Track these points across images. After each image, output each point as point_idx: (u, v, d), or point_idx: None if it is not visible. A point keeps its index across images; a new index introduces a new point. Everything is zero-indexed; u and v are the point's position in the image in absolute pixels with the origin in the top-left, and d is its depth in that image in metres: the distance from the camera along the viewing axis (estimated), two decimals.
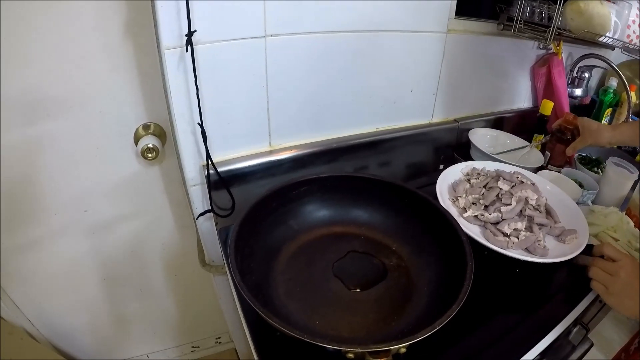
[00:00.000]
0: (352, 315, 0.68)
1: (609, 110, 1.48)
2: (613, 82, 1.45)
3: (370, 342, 0.52)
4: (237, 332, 1.37)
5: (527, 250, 0.81)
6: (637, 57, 1.37)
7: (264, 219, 0.77)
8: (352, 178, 0.87)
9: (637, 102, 1.51)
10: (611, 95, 1.46)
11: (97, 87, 0.89)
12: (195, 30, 0.70)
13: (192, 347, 1.58)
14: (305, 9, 0.82)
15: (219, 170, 0.86)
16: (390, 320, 0.67)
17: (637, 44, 1.18)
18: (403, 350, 0.54)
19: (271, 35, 0.81)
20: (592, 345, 0.82)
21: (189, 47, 0.71)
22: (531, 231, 0.83)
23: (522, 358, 0.66)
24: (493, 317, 0.74)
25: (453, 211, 0.86)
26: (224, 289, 1.16)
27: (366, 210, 0.87)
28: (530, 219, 0.85)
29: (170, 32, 0.71)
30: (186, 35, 0.70)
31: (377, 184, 0.85)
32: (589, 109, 1.52)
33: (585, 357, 0.82)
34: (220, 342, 1.63)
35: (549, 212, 0.90)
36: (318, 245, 0.81)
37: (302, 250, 0.80)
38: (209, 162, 0.83)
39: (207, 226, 0.98)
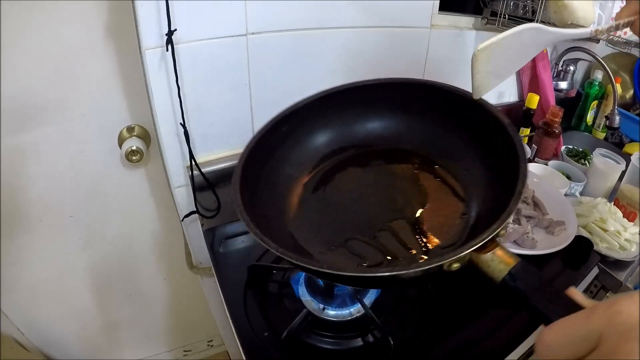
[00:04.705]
0: None
1: (594, 103, 1.49)
2: (598, 75, 1.45)
3: None
4: (229, 334, 1.36)
5: (515, 242, 0.81)
6: (622, 50, 1.39)
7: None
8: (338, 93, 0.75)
9: (623, 94, 1.52)
10: (597, 87, 1.47)
11: (79, 90, 0.88)
12: (175, 30, 0.70)
13: (184, 351, 1.57)
14: (288, 7, 0.82)
15: (203, 171, 0.85)
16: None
17: (622, 37, 1.19)
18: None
19: (253, 34, 0.80)
20: None
21: (169, 47, 0.70)
22: (519, 224, 0.84)
23: (514, 352, 0.66)
24: (483, 311, 0.73)
25: None
26: (213, 291, 1.15)
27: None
28: (518, 211, 0.85)
29: (151, 31, 0.70)
30: (166, 35, 0.69)
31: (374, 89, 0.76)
32: (575, 101, 1.52)
33: None
34: (212, 345, 1.62)
35: (536, 205, 0.90)
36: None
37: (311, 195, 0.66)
38: (193, 162, 0.82)
39: (194, 228, 0.97)
